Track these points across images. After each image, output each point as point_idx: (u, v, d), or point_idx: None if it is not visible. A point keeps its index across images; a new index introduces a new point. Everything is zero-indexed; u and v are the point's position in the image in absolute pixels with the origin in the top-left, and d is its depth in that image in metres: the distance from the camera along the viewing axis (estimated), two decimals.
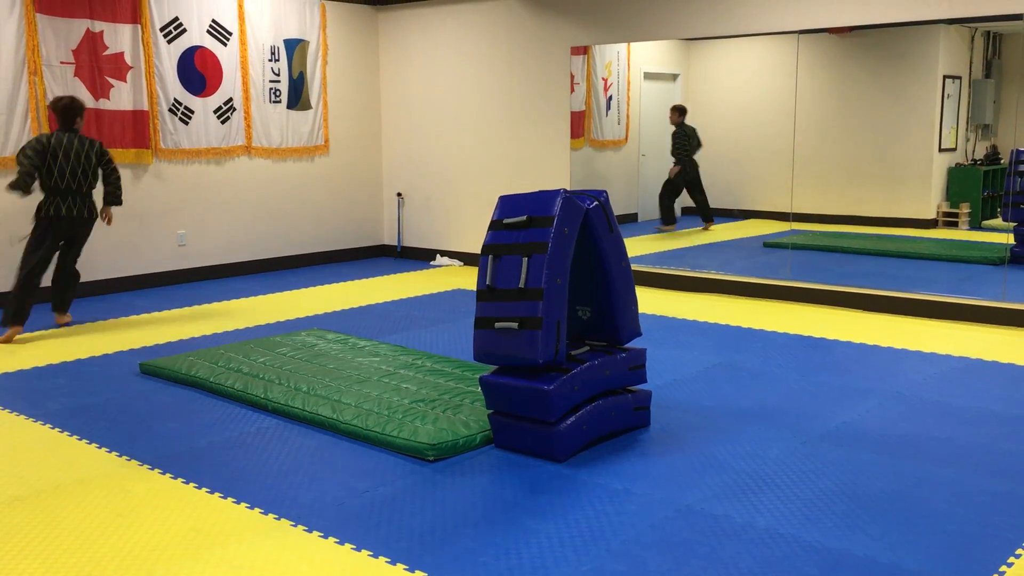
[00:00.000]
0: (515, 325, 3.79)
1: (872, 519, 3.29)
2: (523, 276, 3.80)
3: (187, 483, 3.68)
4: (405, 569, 2.94)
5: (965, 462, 3.84)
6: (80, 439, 4.21)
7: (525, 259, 3.82)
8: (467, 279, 8.45)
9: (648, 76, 9.24)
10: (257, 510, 3.41)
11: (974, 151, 7.88)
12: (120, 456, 3.99)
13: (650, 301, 7.25)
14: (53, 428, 4.37)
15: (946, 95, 7.64)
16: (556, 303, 3.79)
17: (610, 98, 9.07)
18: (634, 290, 4.25)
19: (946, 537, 3.15)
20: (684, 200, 9.32)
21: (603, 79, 8.97)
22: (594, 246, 4.07)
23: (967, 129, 7.81)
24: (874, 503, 3.43)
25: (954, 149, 7.82)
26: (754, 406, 4.60)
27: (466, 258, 9.34)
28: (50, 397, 4.87)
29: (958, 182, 7.82)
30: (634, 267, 5.21)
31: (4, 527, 3.30)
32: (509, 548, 3.08)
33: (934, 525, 3.24)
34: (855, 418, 4.40)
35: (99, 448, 4.09)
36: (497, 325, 3.85)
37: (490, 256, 3.94)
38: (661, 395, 4.71)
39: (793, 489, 3.56)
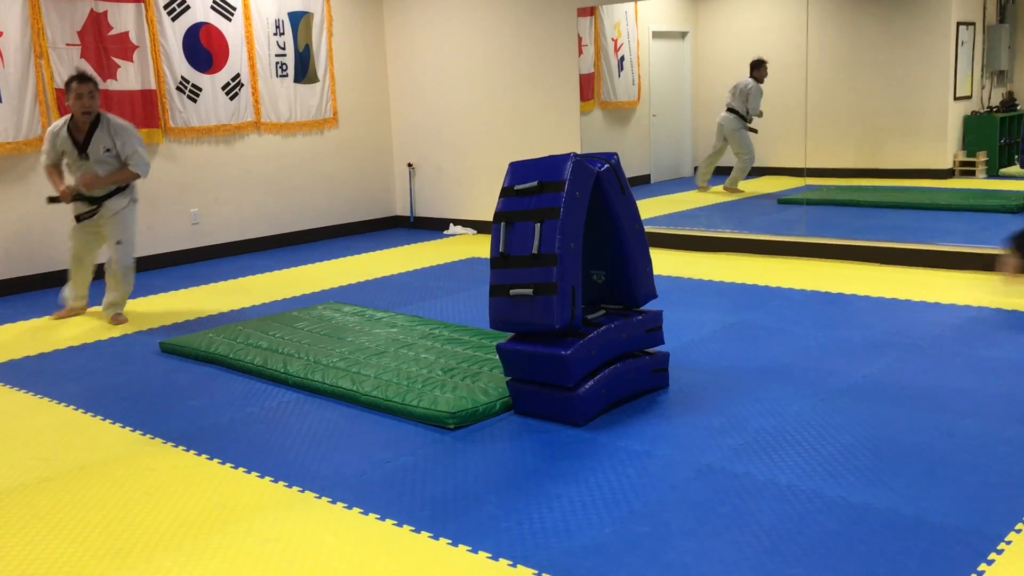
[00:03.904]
0: (530, 291, 3.79)
1: (894, 472, 3.29)
2: (536, 242, 3.79)
3: (211, 459, 3.72)
4: (429, 537, 2.97)
5: (986, 412, 3.82)
6: (103, 419, 4.26)
7: (538, 225, 3.80)
8: (481, 247, 8.45)
9: (657, 35, 9.14)
10: (281, 483, 3.44)
11: (990, 98, 7.78)
12: (144, 435, 4.03)
13: (665, 262, 7.23)
14: (76, 409, 4.42)
15: (960, 42, 7.53)
16: (570, 268, 3.78)
17: (622, 59, 8.99)
18: (648, 252, 4.24)
19: (969, 488, 3.14)
20: (699, 157, 9.26)
21: (612, 40, 8.88)
22: (607, 209, 4.05)
23: (982, 76, 7.70)
24: (896, 456, 3.43)
25: (969, 97, 7.72)
26: (773, 364, 4.59)
27: (479, 226, 9.32)
28: (71, 379, 4.92)
29: (974, 130, 7.73)
30: (648, 229, 5.17)
31: (33, 508, 3.34)
32: (532, 513, 3.10)
33: (956, 476, 3.24)
34: (874, 372, 4.39)
35: (123, 428, 4.13)
36: (512, 292, 3.85)
37: (502, 223, 3.93)
38: (679, 356, 4.70)
39: (814, 445, 3.56)
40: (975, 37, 7.58)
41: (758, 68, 8.28)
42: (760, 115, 8.36)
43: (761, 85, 8.29)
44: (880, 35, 7.90)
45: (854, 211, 8.15)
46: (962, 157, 7.77)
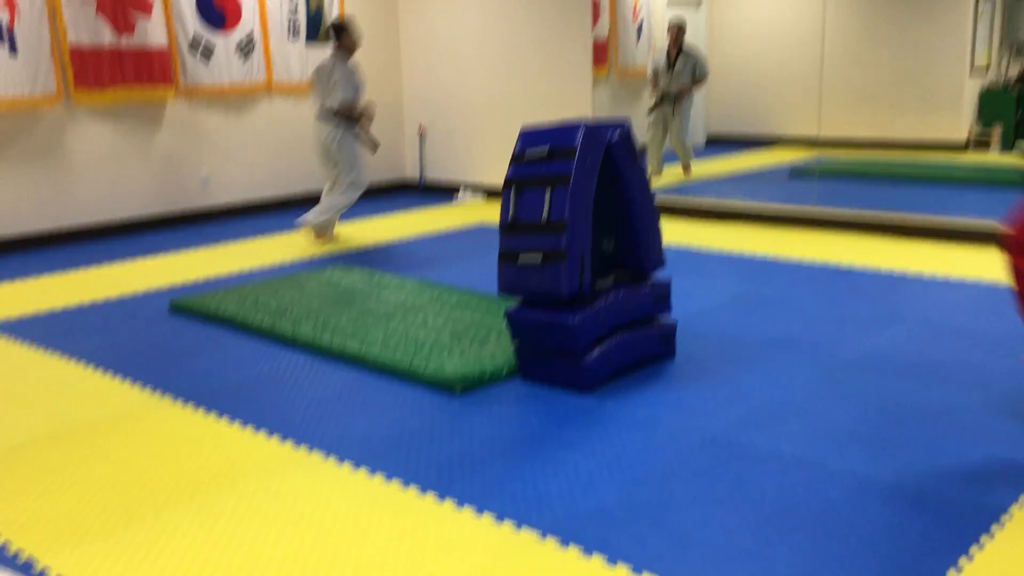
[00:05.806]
0: (539, 258, 3.79)
1: (899, 446, 3.30)
2: (546, 209, 3.78)
3: (220, 418, 3.75)
4: (435, 497, 3.00)
5: (994, 387, 3.82)
6: (113, 377, 4.29)
7: (548, 192, 3.80)
8: (490, 213, 8.43)
9: (671, 3, 9.05)
10: (289, 443, 3.48)
11: (1007, 71, 7.70)
12: (154, 393, 4.07)
13: (675, 232, 7.21)
14: (87, 366, 4.45)
15: (979, 13, 7.44)
16: (580, 235, 3.78)
17: (640, 25, 8.91)
18: (658, 221, 4.23)
19: (974, 463, 3.15)
20: (713, 127, 9.21)
21: (632, 5, 8.80)
22: (617, 177, 4.04)
23: (1000, 48, 7.62)
24: (900, 429, 3.44)
25: (987, 69, 7.65)
26: (780, 335, 4.59)
27: (489, 191, 9.30)
28: (82, 336, 4.96)
29: (991, 104, 7.66)
30: (658, 198, 5.15)
31: (43, 464, 3.38)
32: (537, 477, 3.13)
33: (961, 451, 3.25)
34: (882, 345, 4.39)
35: (132, 385, 4.17)
36: (521, 259, 3.85)
37: (512, 189, 3.93)
38: (687, 325, 4.71)
39: (819, 416, 3.57)
40: (994, 8, 7.48)
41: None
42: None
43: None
44: (897, 5, 7.81)
45: (867, 183, 8.11)
46: (977, 130, 7.71)
